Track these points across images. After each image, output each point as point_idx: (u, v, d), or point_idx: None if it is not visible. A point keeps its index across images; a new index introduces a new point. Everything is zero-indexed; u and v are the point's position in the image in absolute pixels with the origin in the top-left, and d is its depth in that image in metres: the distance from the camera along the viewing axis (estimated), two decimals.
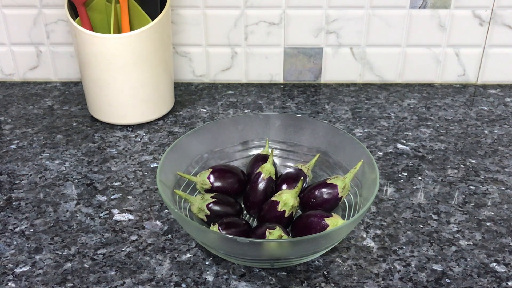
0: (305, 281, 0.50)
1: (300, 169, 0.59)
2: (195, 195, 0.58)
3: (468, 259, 0.53)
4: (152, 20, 0.73)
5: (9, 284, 0.50)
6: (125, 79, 0.73)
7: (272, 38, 0.86)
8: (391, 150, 0.71)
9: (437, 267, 0.52)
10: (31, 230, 0.57)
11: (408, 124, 0.78)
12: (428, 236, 0.56)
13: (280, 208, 0.53)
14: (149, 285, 0.50)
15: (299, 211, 0.57)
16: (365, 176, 0.54)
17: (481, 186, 0.64)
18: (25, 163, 0.68)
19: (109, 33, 0.74)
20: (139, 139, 0.74)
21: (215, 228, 0.51)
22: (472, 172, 0.66)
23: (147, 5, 0.75)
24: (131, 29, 0.75)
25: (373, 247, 0.54)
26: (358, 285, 0.50)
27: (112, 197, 0.62)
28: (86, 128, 0.77)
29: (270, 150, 0.61)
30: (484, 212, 0.59)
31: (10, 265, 0.52)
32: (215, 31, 0.85)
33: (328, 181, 0.55)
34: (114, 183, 0.64)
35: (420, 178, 0.65)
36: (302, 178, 0.53)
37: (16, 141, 0.73)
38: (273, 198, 0.54)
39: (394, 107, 0.82)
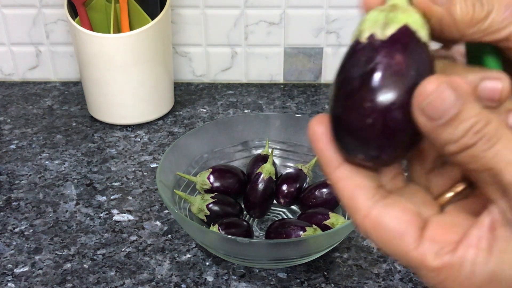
0: (305, 282, 0.50)
1: (300, 169, 0.59)
2: (195, 196, 0.58)
3: None
4: (152, 19, 0.73)
5: (9, 284, 0.50)
6: (124, 79, 0.72)
7: (272, 38, 0.86)
8: None
9: None
10: (31, 231, 0.57)
11: None
12: None
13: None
14: (148, 286, 0.50)
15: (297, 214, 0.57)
16: None
17: None
18: (25, 163, 0.68)
19: (109, 32, 0.74)
20: (139, 139, 0.74)
21: (215, 228, 0.51)
22: None
23: (147, 5, 0.74)
24: (131, 28, 0.75)
25: (373, 248, 0.54)
26: (359, 285, 0.49)
27: (111, 197, 0.62)
28: (86, 128, 0.77)
29: (270, 150, 0.61)
30: None
31: (9, 265, 0.52)
32: (215, 31, 0.85)
33: (328, 181, 0.55)
34: (113, 183, 0.64)
35: None
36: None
37: (16, 141, 0.73)
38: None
39: None
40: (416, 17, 0.24)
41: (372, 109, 0.22)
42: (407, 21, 0.23)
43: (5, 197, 0.62)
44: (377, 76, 0.23)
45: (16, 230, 0.57)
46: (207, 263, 0.52)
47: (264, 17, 0.84)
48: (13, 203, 0.61)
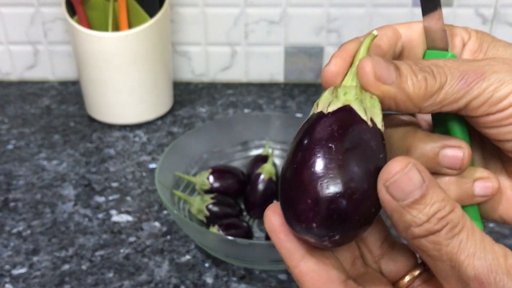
0: None
1: None
2: (194, 196, 0.57)
3: None
4: (151, 18, 0.72)
5: (6, 286, 0.49)
6: (123, 78, 0.72)
7: (272, 37, 0.85)
8: None
9: None
10: (28, 232, 0.56)
11: None
12: None
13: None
14: (147, 287, 0.49)
15: None
16: None
17: None
18: (22, 163, 0.68)
19: (107, 31, 0.73)
20: (138, 139, 0.73)
21: (214, 229, 0.51)
22: None
23: (146, 3, 0.74)
24: (130, 27, 0.74)
25: None
26: None
27: (110, 198, 0.61)
28: (84, 128, 0.76)
29: (270, 150, 0.61)
30: None
31: (7, 266, 0.52)
32: (214, 29, 0.85)
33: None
34: (112, 184, 0.64)
35: None
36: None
37: (13, 141, 0.73)
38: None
39: None
40: (361, 96, 0.25)
41: (315, 195, 0.23)
42: (349, 102, 0.25)
43: (2, 198, 0.61)
44: (319, 163, 0.23)
45: (14, 231, 0.56)
46: (207, 265, 0.52)
47: (264, 15, 0.84)
48: (11, 204, 0.60)
